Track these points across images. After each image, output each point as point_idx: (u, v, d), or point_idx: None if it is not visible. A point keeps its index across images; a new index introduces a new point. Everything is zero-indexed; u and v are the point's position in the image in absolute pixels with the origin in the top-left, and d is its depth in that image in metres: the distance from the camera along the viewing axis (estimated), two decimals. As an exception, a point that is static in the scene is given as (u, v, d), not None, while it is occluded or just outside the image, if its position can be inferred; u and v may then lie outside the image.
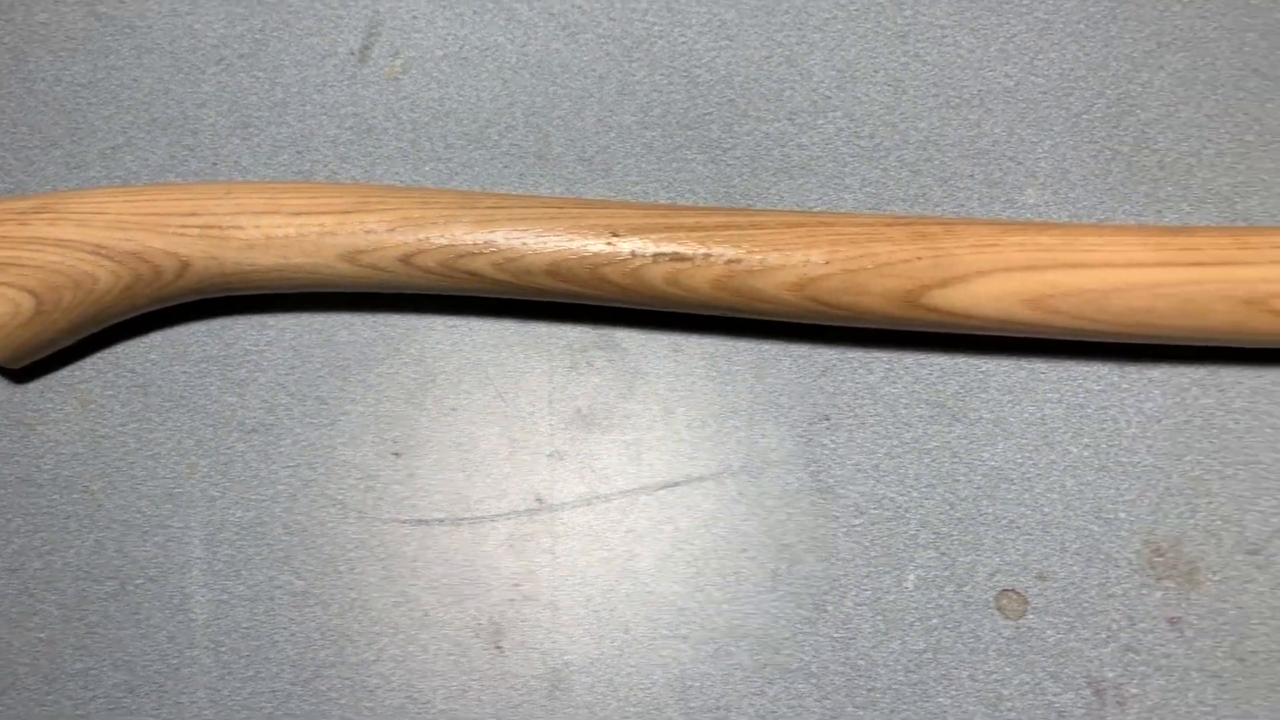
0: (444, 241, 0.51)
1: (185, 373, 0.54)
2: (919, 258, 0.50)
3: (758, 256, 0.50)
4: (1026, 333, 0.51)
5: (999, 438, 0.52)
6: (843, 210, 0.56)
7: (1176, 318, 0.50)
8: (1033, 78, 0.58)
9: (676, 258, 0.50)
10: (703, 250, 0.50)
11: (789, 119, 0.58)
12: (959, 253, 0.50)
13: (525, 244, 0.50)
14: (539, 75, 0.59)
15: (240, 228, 0.51)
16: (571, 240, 0.50)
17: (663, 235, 0.50)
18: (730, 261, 0.50)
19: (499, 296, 0.52)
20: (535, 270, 0.51)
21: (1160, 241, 0.50)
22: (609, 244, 0.50)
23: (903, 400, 0.53)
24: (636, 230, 0.51)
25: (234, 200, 0.52)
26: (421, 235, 0.51)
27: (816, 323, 0.51)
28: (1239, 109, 0.57)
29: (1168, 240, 0.50)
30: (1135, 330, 0.50)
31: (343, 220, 0.51)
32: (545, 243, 0.50)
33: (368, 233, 0.51)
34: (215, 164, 0.58)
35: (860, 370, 0.54)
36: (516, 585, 0.51)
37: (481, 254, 0.51)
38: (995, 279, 0.49)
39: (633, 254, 0.50)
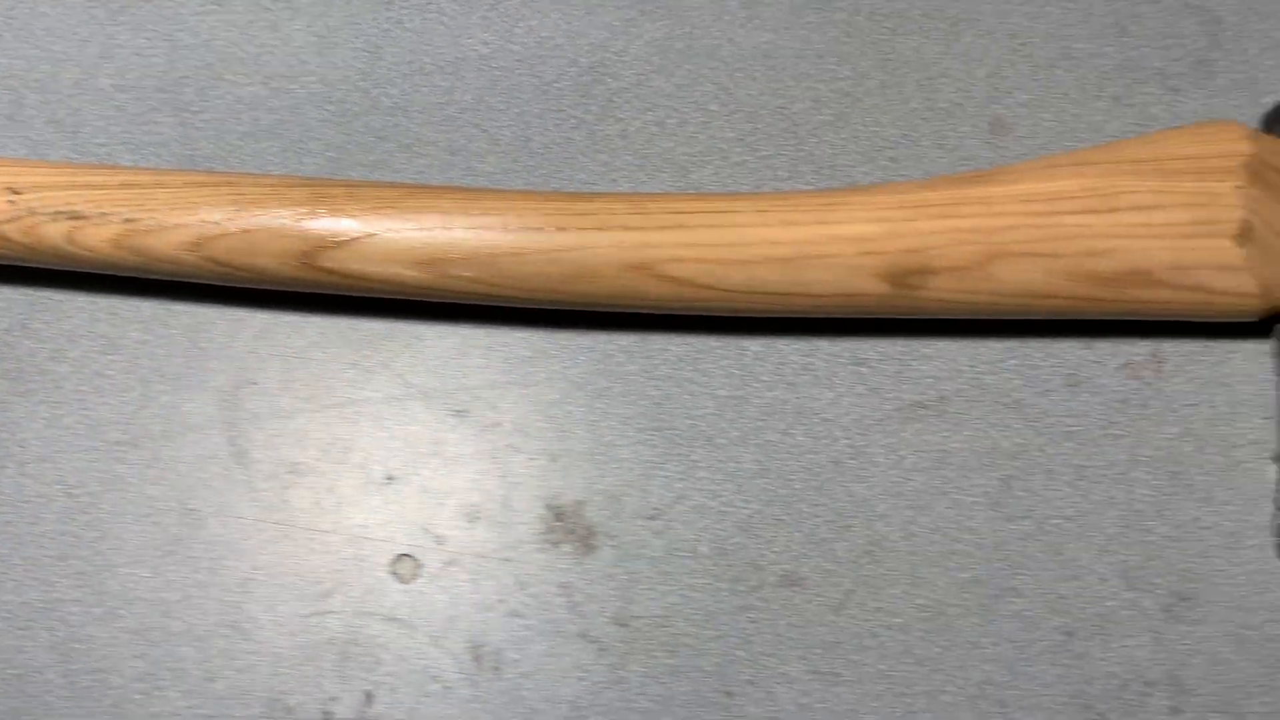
0: None
1: None
2: (314, 219, 0.49)
3: (155, 216, 0.50)
4: (428, 296, 0.50)
5: (415, 403, 0.52)
6: (311, 175, 0.56)
7: (570, 282, 0.49)
8: (510, 45, 0.57)
9: (74, 215, 0.50)
10: (99, 209, 0.50)
11: (264, 83, 0.57)
12: (355, 215, 0.49)
13: (-79, 204, 0.50)
14: (21, 38, 0.58)
15: None
16: (-32, 200, 0.50)
17: (62, 193, 0.50)
18: (127, 220, 0.50)
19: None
20: (-66, 230, 0.50)
21: (558, 206, 0.50)
22: (10, 201, 0.50)
23: (331, 365, 0.53)
24: (38, 188, 0.50)
25: None
26: None
27: (221, 283, 0.51)
28: (709, 78, 0.57)
29: (565, 205, 0.50)
30: (534, 295, 0.50)
31: None
32: (-58, 202, 0.50)
33: None
34: None
35: (293, 335, 0.53)
36: (-85, 548, 0.50)
37: None
38: (386, 241, 0.49)
39: (31, 211, 0.50)
